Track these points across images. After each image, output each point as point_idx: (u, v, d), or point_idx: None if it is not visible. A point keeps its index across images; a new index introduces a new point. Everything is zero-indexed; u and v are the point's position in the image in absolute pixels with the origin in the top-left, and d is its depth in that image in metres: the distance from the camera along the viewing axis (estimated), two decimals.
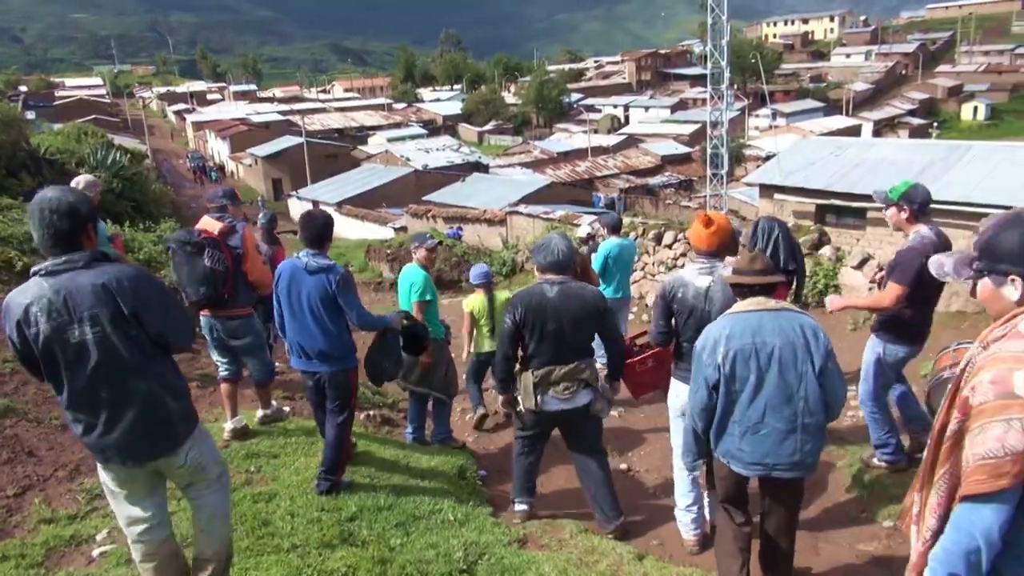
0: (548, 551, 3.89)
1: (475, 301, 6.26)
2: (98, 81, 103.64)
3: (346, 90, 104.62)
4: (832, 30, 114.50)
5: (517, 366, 4.09)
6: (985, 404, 1.64)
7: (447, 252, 15.50)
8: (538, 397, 3.98)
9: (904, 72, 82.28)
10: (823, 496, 4.62)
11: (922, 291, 4.04)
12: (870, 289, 7.03)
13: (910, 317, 4.19)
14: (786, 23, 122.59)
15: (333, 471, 4.24)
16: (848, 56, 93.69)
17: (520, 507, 4.42)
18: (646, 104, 74.86)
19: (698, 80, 70.10)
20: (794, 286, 6.09)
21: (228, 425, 4.97)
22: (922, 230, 4.09)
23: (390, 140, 53.58)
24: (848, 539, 4.09)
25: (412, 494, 4.37)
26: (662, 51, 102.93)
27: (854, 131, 52.45)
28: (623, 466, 5.48)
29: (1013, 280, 1.75)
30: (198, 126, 61.49)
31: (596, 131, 59.54)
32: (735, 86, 53.28)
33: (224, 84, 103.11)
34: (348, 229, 25.25)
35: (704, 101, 35.28)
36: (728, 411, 3.17)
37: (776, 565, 3.46)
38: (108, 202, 13.58)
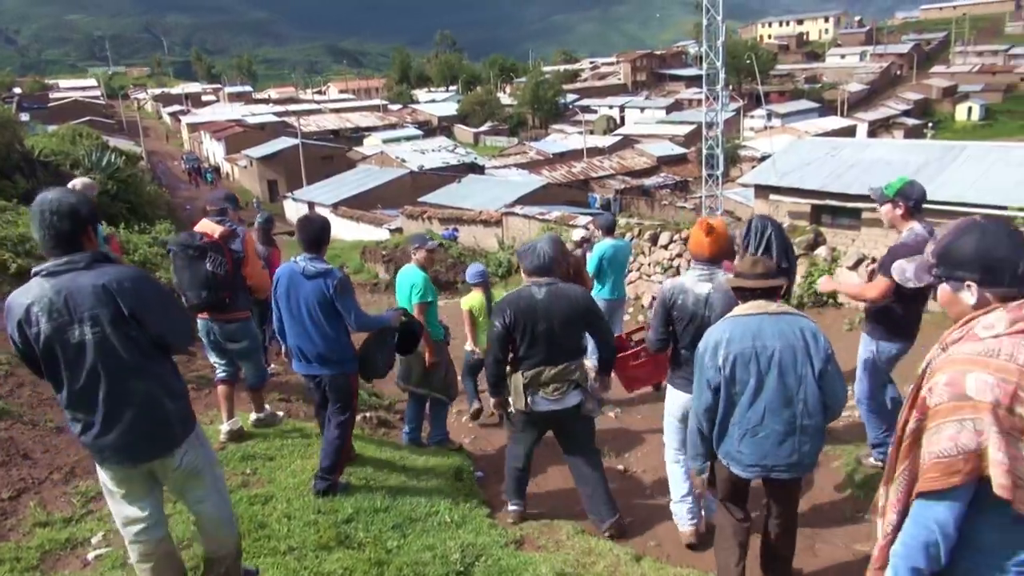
0: (545, 552, 3.89)
1: (473, 300, 6.28)
2: (93, 83, 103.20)
3: (341, 91, 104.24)
4: (827, 31, 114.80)
5: (508, 368, 4.10)
6: (940, 405, 1.70)
7: (443, 253, 15.52)
8: (528, 398, 4.00)
9: (899, 73, 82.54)
10: (819, 496, 4.62)
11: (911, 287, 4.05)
12: None
13: (900, 314, 4.21)
14: (781, 24, 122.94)
15: (331, 471, 4.24)
16: (843, 57, 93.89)
17: (513, 507, 4.45)
18: (642, 105, 74.93)
19: (693, 81, 70.27)
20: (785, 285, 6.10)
21: (224, 427, 4.96)
22: (916, 227, 4.11)
23: (386, 141, 53.43)
24: (844, 539, 4.09)
25: (409, 496, 4.37)
26: (658, 52, 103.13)
27: (849, 132, 52.63)
28: (620, 467, 5.47)
29: (969, 285, 1.80)
30: (193, 128, 61.35)
31: (592, 132, 59.56)
32: (730, 87, 53.40)
33: (219, 85, 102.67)
34: (344, 230, 25.21)
35: (699, 102, 35.43)
36: (728, 413, 3.19)
37: (776, 565, 3.48)
38: (103, 204, 13.54)
